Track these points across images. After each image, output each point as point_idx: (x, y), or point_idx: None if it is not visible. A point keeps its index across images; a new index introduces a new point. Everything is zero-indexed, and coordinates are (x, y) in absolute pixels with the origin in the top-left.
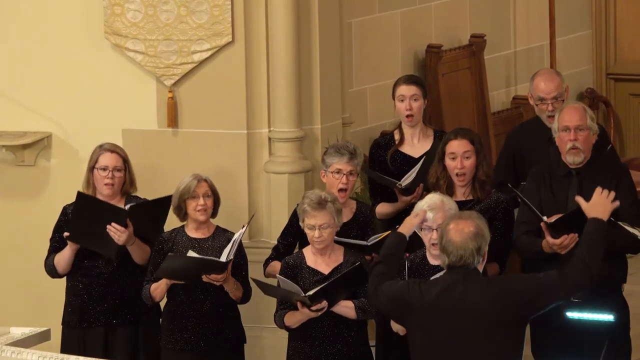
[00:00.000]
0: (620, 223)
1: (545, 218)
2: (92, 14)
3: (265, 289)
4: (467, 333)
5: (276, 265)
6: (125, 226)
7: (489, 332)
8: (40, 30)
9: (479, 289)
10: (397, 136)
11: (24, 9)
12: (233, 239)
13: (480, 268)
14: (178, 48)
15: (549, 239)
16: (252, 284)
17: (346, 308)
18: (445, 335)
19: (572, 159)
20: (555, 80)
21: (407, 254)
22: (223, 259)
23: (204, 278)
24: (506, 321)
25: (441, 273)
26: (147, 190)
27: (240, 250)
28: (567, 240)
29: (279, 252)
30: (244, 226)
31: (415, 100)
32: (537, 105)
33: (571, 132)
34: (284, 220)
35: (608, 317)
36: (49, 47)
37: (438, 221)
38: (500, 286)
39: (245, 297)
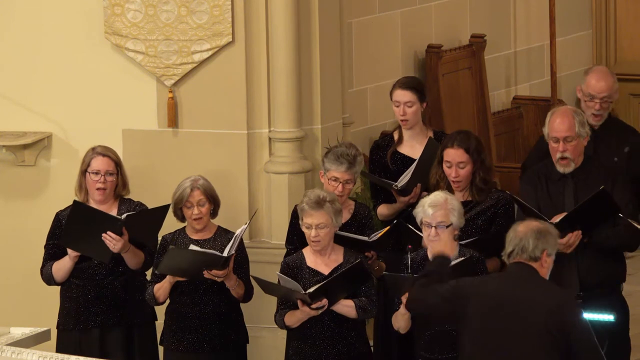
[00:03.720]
0: (630, 221)
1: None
2: (92, 14)
3: (266, 287)
4: (509, 330)
5: None
6: (121, 235)
7: (528, 334)
8: (40, 30)
9: (532, 288)
10: (396, 136)
11: (24, 9)
12: (235, 235)
13: (541, 271)
14: (178, 48)
15: None
16: (253, 283)
17: (347, 307)
18: (492, 328)
19: (563, 169)
20: (609, 80)
21: (410, 246)
22: (224, 254)
23: (206, 274)
24: (548, 331)
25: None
26: (147, 191)
27: (241, 249)
28: (572, 238)
29: None
30: (246, 223)
31: (409, 106)
32: (585, 101)
33: (560, 144)
34: (284, 221)
35: (608, 317)
36: (49, 47)
37: (437, 219)
38: (556, 297)
39: (247, 295)
